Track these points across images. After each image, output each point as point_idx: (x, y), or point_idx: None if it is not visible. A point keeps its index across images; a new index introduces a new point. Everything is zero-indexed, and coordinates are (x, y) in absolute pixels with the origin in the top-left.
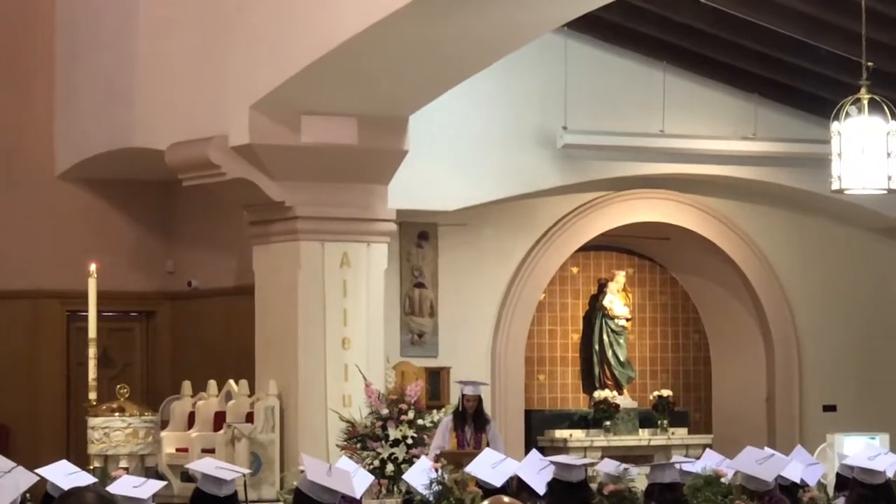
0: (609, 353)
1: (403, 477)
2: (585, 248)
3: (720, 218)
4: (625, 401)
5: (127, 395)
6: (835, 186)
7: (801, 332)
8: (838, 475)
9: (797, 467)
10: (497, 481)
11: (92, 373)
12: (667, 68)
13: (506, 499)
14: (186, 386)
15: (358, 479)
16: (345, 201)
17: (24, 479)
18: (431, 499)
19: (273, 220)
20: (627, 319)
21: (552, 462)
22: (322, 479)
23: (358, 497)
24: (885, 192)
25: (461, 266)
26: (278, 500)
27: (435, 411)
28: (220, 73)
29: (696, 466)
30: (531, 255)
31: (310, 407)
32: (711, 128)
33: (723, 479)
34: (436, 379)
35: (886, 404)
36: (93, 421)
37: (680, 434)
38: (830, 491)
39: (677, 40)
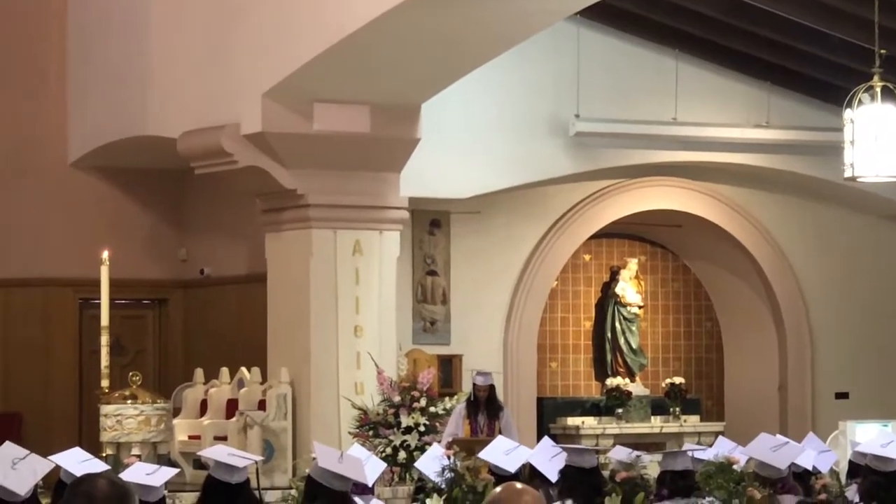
0: (621, 341)
1: (415, 464)
2: (598, 236)
3: (733, 205)
4: (637, 388)
5: (139, 383)
6: (848, 174)
7: (813, 319)
8: (851, 462)
9: (810, 454)
10: (510, 468)
11: (104, 360)
12: (679, 56)
13: (518, 485)
14: (199, 373)
15: (370, 466)
16: (357, 189)
17: (40, 465)
18: (443, 486)
19: (285, 208)
20: (640, 307)
21: (564, 448)
22: (333, 466)
23: (370, 484)
24: None
25: (473, 254)
26: (291, 488)
27: (447, 398)
28: (232, 61)
29: (708, 454)
30: (543, 242)
31: (322, 394)
32: (724, 115)
33: (735, 466)
34: (448, 366)
35: None
36: (105, 408)
37: (692, 421)
38: (843, 478)
39: (690, 28)
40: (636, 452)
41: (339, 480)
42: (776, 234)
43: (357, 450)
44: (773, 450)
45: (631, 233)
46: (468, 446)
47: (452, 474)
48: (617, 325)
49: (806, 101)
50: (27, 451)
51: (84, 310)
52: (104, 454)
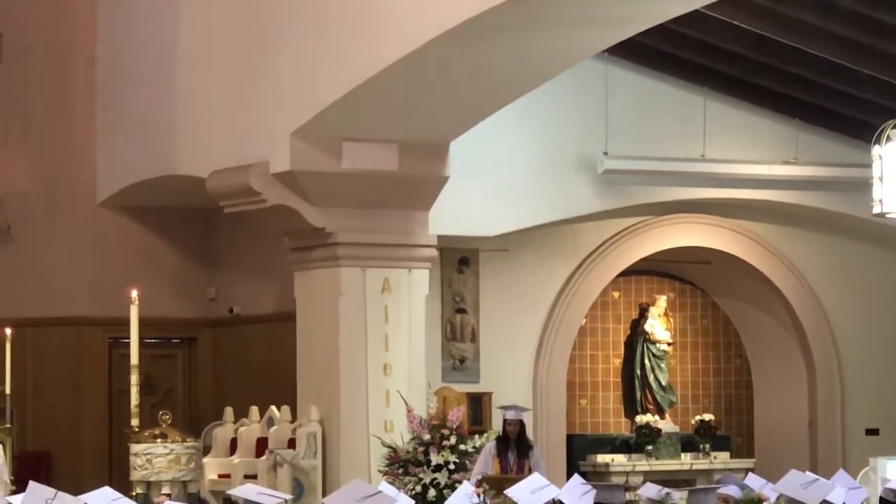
0: (651, 378)
1: (445, 502)
2: (627, 273)
3: (761, 242)
4: (667, 425)
5: (169, 422)
6: (876, 210)
7: (842, 355)
8: (881, 499)
9: (840, 491)
10: None
11: (134, 399)
12: (707, 93)
13: None
14: (228, 412)
15: None
16: (386, 227)
17: None
18: None
19: (314, 247)
20: (669, 344)
21: (594, 486)
22: None
23: None
24: None
25: (502, 291)
26: None
27: (477, 436)
28: (261, 100)
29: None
30: (572, 280)
31: (352, 432)
32: (753, 152)
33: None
34: (477, 404)
35: None
36: (135, 447)
37: (722, 458)
38: None
39: (718, 65)
40: (666, 489)
41: None
42: (805, 270)
43: (386, 488)
44: (803, 487)
45: (660, 270)
46: (497, 484)
47: None
48: (646, 362)
49: (834, 137)
50: (55, 491)
51: (114, 349)
52: (134, 493)
